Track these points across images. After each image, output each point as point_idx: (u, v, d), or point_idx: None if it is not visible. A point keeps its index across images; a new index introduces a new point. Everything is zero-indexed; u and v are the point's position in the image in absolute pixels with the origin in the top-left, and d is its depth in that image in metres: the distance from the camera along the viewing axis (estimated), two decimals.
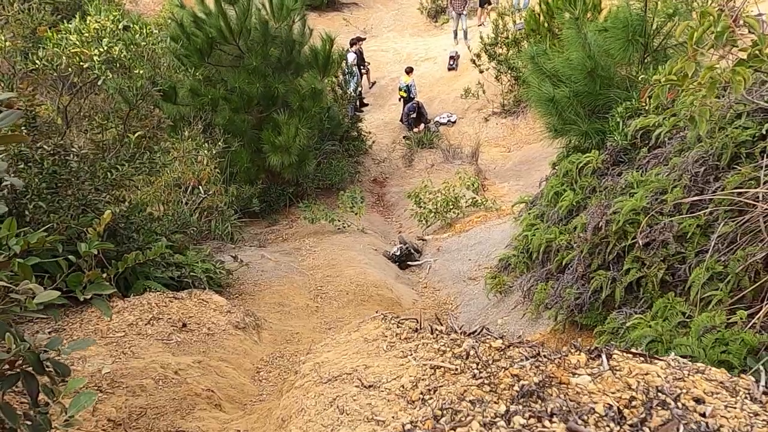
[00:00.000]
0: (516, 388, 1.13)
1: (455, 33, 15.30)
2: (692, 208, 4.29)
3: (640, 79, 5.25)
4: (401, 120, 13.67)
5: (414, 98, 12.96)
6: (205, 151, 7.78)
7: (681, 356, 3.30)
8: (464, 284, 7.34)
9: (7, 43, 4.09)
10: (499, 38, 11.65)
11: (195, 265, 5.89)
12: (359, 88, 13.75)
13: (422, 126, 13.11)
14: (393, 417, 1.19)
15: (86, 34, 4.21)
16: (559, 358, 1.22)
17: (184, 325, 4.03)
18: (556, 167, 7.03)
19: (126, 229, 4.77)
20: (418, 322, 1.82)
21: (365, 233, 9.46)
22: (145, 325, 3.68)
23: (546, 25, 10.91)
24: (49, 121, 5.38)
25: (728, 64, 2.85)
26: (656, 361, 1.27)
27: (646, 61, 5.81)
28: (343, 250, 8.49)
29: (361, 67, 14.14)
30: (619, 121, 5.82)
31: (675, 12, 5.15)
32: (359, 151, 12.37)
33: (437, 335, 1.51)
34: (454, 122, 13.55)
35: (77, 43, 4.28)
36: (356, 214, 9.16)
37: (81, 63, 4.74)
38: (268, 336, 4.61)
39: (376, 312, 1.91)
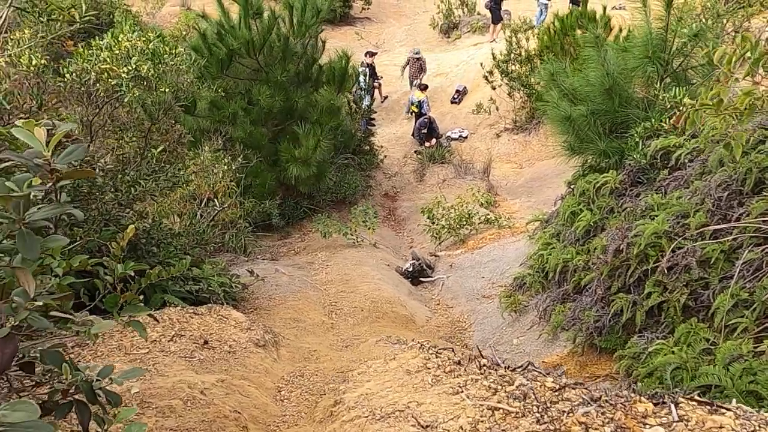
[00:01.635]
0: None
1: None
2: (715, 233, 4.27)
3: (660, 98, 5.26)
4: (413, 134, 13.73)
5: (426, 114, 13.02)
6: (223, 165, 7.84)
7: (711, 386, 3.26)
8: (478, 302, 7.31)
9: (42, 61, 4.16)
10: (513, 55, 11.71)
11: (211, 279, 5.91)
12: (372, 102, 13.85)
13: (434, 141, 13.15)
14: None
15: (117, 52, 4.27)
16: (624, 403, 1.20)
17: (206, 342, 4.04)
18: (572, 186, 7.03)
19: (147, 244, 4.80)
20: (454, 352, 1.81)
21: (377, 248, 9.45)
22: (168, 341, 3.68)
23: (560, 42, 10.97)
24: (74, 135, 5.45)
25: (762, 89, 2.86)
26: (723, 410, 1.25)
27: (665, 81, 5.82)
28: (356, 265, 8.48)
29: (374, 82, 14.24)
30: (638, 141, 5.82)
31: (699, 33, 5.17)
32: (371, 165, 12.41)
33: (484, 370, 1.51)
34: (466, 138, 13.58)
35: (107, 59, 4.34)
36: (369, 228, 9.17)
37: (109, 80, 4.81)
38: (286, 353, 4.60)
39: (412, 341, 1.91)
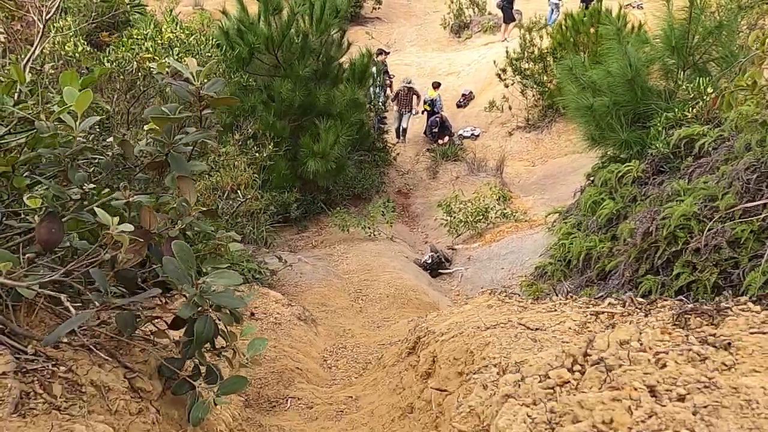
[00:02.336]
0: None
1: (396, 130, 13.85)
2: (744, 214, 4.38)
3: (683, 89, 5.38)
4: (425, 133, 13.86)
5: (438, 113, 13.16)
6: (245, 158, 7.97)
7: None
8: None
9: (87, 47, 4.30)
10: (526, 53, 11.86)
11: (242, 265, 6.03)
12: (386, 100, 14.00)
13: (447, 138, 13.29)
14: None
15: (159, 42, 4.42)
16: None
17: (252, 314, 4.16)
18: (592, 178, 7.15)
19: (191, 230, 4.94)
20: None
21: (394, 242, 9.58)
22: None
23: (572, 40, 11.12)
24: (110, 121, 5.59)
25: None
26: None
27: (686, 72, 5.95)
28: (375, 256, 8.60)
29: (387, 79, 14.37)
30: (660, 131, 5.93)
31: (721, 24, 5.30)
32: (384, 162, 12.56)
33: (569, 297, 1.61)
34: (478, 136, 13.70)
35: (150, 49, 4.49)
36: (387, 222, 9.30)
37: (151, 69, 4.96)
38: (323, 331, 4.72)
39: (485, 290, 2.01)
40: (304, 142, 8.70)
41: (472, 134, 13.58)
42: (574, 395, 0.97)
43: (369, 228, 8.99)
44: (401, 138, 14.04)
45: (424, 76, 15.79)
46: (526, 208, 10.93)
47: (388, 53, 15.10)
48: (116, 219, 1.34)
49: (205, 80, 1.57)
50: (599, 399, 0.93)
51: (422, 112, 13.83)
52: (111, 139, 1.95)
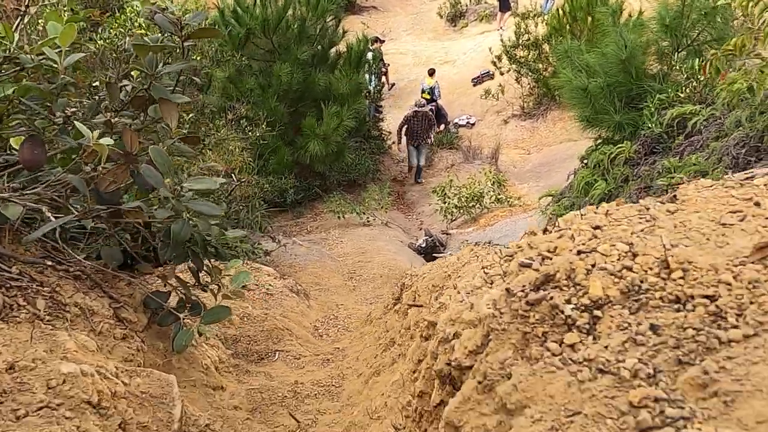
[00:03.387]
0: None
1: (410, 168, 11.42)
2: None
3: (678, 68, 5.41)
4: None
5: (437, 101, 13.16)
6: (238, 140, 7.95)
7: None
8: None
9: (82, 24, 4.29)
10: (521, 41, 11.86)
11: (236, 246, 6.04)
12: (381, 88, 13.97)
13: (442, 127, 13.30)
14: None
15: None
16: None
17: (244, 285, 4.18)
18: (585, 161, 7.18)
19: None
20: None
21: (389, 227, 9.61)
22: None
23: (568, 27, 11.13)
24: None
25: None
26: None
27: (680, 54, 5.98)
28: (370, 240, 8.63)
29: (382, 67, 14.36)
30: (653, 112, 5.96)
31: (715, 7, 5.33)
32: (380, 150, 12.56)
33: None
34: (473, 124, 13.72)
35: (143, 25, 4.48)
36: (383, 208, 9.32)
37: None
38: (315, 305, 4.75)
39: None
40: (308, 123, 8.72)
41: (468, 122, 13.60)
42: (522, 253, 0.99)
43: (364, 214, 9.01)
44: (417, 177, 11.32)
45: (419, 65, 15.79)
46: (521, 195, 10.96)
47: (384, 41, 15.07)
48: (96, 133, 1.36)
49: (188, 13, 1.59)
50: (545, 239, 0.95)
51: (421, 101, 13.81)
52: (97, 83, 1.96)
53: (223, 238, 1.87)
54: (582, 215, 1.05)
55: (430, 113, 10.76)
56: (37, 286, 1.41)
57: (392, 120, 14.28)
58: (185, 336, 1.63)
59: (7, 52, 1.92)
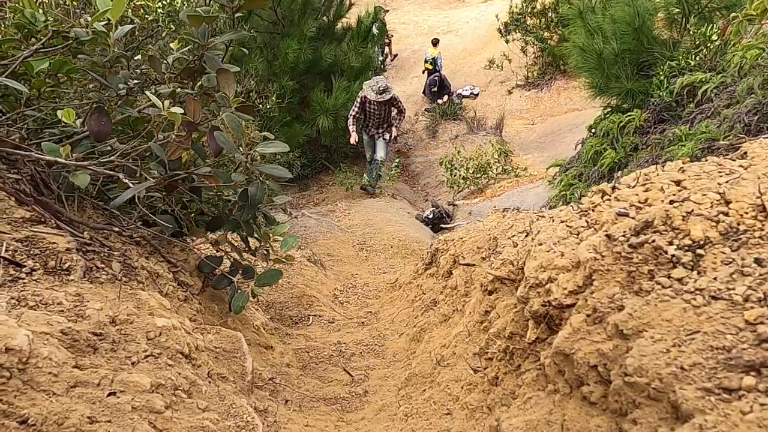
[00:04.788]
0: None
1: (370, 165, 9.11)
2: None
3: (691, 33, 5.41)
4: (424, 92, 13.80)
5: (440, 71, 13.06)
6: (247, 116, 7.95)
7: None
8: None
9: None
10: (529, 7, 11.75)
11: (251, 227, 6.12)
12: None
13: (446, 97, 13.24)
14: None
15: None
16: None
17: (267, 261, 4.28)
18: (593, 130, 7.21)
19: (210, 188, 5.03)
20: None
21: (395, 198, 9.69)
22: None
23: None
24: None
25: None
26: None
27: (692, 20, 5.96)
28: (378, 212, 8.70)
29: (385, 38, 14.20)
30: (663, 80, 5.97)
31: None
32: None
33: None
34: (477, 95, 13.64)
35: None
36: (389, 179, 9.37)
37: (145, 15, 4.91)
38: (331, 275, 4.85)
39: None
40: (316, 97, 8.70)
41: (472, 93, 13.52)
42: (608, 205, 1.07)
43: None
44: (371, 180, 8.79)
45: (422, 35, 15.62)
46: (526, 166, 11.00)
47: (387, 11, 14.88)
48: (167, 102, 1.41)
49: None
50: (633, 192, 1.03)
51: (423, 72, 13.72)
52: (138, 57, 2.00)
53: (271, 204, 1.95)
54: (661, 171, 1.12)
55: (396, 96, 8.48)
56: (108, 250, 1.48)
57: (395, 92, 14.22)
58: (241, 298, 1.72)
59: (47, 26, 1.96)
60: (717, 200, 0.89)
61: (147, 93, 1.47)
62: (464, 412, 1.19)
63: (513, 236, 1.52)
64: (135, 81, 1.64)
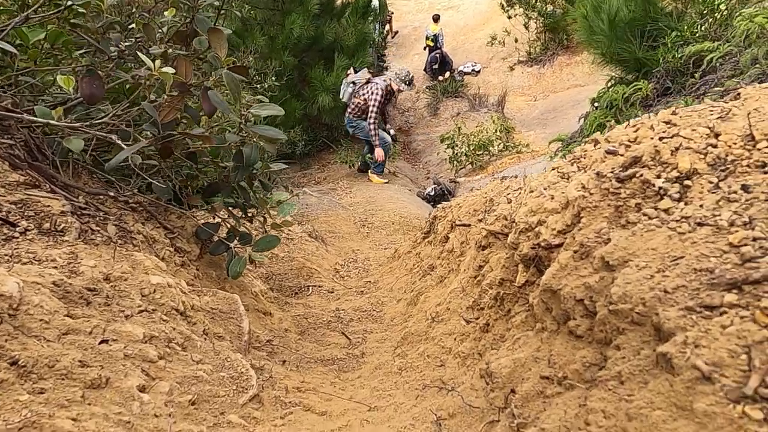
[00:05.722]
0: None
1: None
2: None
3: (696, 1, 5.31)
4: (425, 70, 13.65)
5: (441, 48, 12.91)
6: (246, 93, 7.89)
7: None
8: None
9: None
10: None
11: (247, 193, 6.11)
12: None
13: (447, 74, 13.11)
14: None
15: None
16: None
17: (265, 231, 4.27)
18: (596, 104, 7.13)
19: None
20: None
21: (397, 176, 9.66)
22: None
23: None
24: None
25: None
26: None
27: None
28: (379, 190, 8.70)
29: (385, 15, 14.02)
30: (668, 50, 5.88)
31: None
32: None
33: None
34: (478, 72, 13.50)
35: None
36: (390, 156, 9.33)
37: None
38: (332, 250, 4.86)
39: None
40: (315, 75, 8.62)
41: (473, 70, 13.38)
42: (599, 148, 1.06)
43: (373, 162, 9.01)
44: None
45: (423, 11, 15.42)
46: (528, 143, 10.94)
47: None
48: (158, 62, 1.40)
49: None
50: (623, 133, 1.03)
51: (424, 48, 13.55)
52: (133, 25, 1.98)
53: (267, 170, 1.94)
54: (653, 113, 1.11)
55: (378, 83, 7.73)
56: (103, 215, 1.48)
57: (396, 70, 14.08)
58: (239, 263, 1.72)
59: None
60: (706, 134, 0.88)
61: (138, 54, 1.45)
62: (456, 360, 1.20)
63: (508, 194, 1.52)
64: (126, 44, 1.62)
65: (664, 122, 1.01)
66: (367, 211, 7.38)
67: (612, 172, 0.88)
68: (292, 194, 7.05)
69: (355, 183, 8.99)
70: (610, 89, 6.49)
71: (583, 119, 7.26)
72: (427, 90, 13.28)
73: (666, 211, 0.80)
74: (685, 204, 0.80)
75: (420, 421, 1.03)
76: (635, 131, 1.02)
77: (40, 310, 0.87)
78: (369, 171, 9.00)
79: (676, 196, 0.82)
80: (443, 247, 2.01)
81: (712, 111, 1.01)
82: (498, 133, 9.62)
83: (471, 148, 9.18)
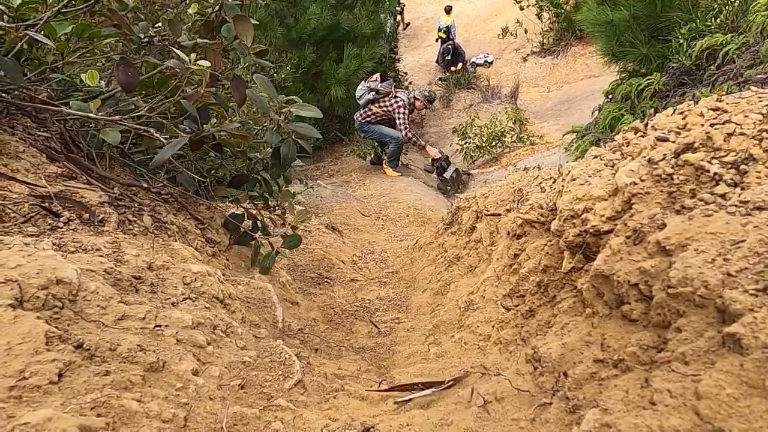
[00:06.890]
0: None
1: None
2: None
3: None
4: (437, 61, 13.59)
5: (453, 39, 12.84)
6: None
7: None
8: None
9: None
10: None
11: (271, 187, 6.16)
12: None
13: (459, 65, 13.04)
14: None
15: None
16: None
17: (283, 223, 4.30)
18: (610, 96, 7.08)
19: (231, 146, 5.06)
20: None
21: (410, 168, 9.65)
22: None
23: None
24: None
25: None
26: None
27: None
28: (393, 182, 8.70)
29: (395, 7, 13.95)
30: (682, 43, 5.82)
31: None
32: None
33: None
34: (491, 63, 13.41)
35: None
36: (404, 151, 9.32)
37: None
38: (349, 242, 4.88)
39: None
40: (327, 68, 8.62)
41: (486, 61, 13.30)
42: (643, 137, 1.07)
43: (386, 155, 9.01)
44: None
45: (435, 2, 15.33)
46: (541, 134, 10.87)
47: None
48: (193, 56, 1.42)
49: None
50: (670, 120, 1.03)
51: (436, 40, 13.49)
52: (159, 24, 2.00)
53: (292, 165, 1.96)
54: (697, 101, 1.12)
55: (401, 97, 8.10)
56: (138, 205, 1.51)
57: (408, 62, 14.02)
58: (269, 259, 1.76)
59: None
60: (759, 120, 0.89)
61: (171, 48, 1.47)
62: (497, 347, 1.22)
63: (540, 183, 1.53)
64: (155, 30, 1.65)
65: (712, 109, 1.01)
66: (381, 204, 7.39)
67: (664, 158, 0.89)
68: (307, 187, 7.08)
69: (368, 175, 9.00)
70: (624, 83, 6.43)
71: (597, 111, 7.21)
72: (439, 82, 13.23)
73: (723, 196, 0.81)
74: (742, 189, 0.80)
75: (464, 405, 1.05)
76: (683, 118, 1.02)
77: (97, 296, 0.90)
78: (383, 163, 9.05)
79: (732, 181, 0.82)
80: (469, 237, 2.03)
81: (761, 98, 1.01)
82: (511, 125, 9.57)
83: (484, 140, 9.14)
